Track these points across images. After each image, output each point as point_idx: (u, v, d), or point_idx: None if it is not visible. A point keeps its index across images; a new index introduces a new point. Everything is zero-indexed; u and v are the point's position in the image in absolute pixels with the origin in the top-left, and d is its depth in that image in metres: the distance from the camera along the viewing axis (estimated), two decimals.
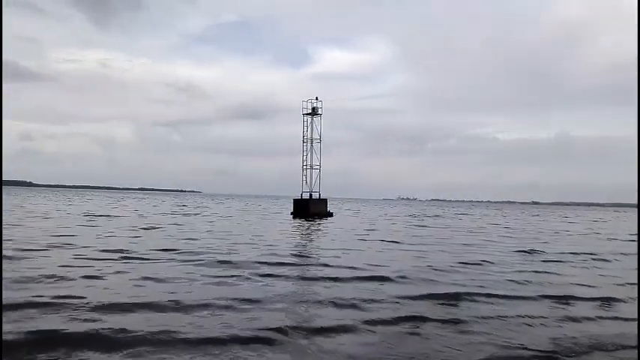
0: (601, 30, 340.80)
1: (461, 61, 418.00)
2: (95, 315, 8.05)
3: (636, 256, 19.66)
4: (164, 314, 8.32)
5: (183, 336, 7.11)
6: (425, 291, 10.99)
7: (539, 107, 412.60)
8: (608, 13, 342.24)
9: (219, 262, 14.38)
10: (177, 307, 8.78)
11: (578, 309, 9.92)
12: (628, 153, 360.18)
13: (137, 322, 7.66)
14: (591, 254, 19.98)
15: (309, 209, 45.76)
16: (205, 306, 8.91)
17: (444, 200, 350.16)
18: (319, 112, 46.87)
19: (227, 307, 8.89)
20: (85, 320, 7.70)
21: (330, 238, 24.48)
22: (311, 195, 46.92)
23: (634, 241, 28.92)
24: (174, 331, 7.26)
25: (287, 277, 12.32)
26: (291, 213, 47.93)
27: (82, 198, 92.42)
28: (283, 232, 27.68)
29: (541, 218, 67.32)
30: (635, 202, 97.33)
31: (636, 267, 16.36)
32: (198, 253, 16.21)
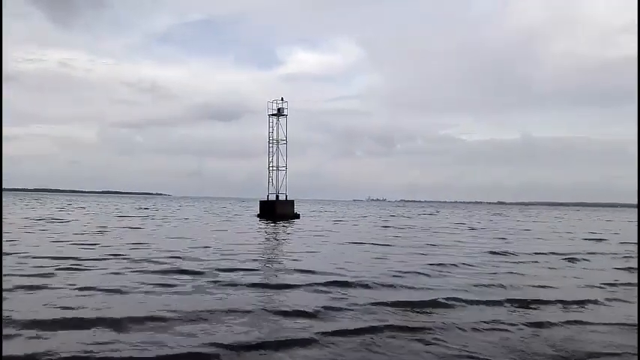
0: (559, 34, 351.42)
1: (427, 64, 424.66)
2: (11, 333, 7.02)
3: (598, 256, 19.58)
4: (89, 332, 7.33)
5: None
6: (387, 298, 10.30)
7: (504, 109, 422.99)
8: (565, 19, 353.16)
9: (168, 270, 13.34)
10: (108, 323, 7.81)
11: (545, 313, 9.42)
12: (588, 153, 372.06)
13: (56, 344, 6.68)
14: (556, 254, 19.81)
15: (276, 211, 44.88)
16: (140, 321, 7.96)
17: (413, 201, 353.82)
18: (285, 112, 46.05)
19: (165, 321, 7.99)
20: None
21: (293, 241, 23.70)
22: (277, 196, 46.03)
23: (592, 239, 29.09)
24: (97, 355, 6.32)
25: (242, 285, 11.41)
26: (257, 215, 46.98)
27: (41, 202, 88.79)
28: (245, 234, 26.73)
29: (504, 218, 68.17)
30: (595, 202, 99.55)
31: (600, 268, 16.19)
32: (148, 260, 15.10)
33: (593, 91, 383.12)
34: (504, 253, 19.56)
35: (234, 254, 17.14)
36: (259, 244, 21.94)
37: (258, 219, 44.20)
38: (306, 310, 9.04)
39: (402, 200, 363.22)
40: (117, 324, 7.71)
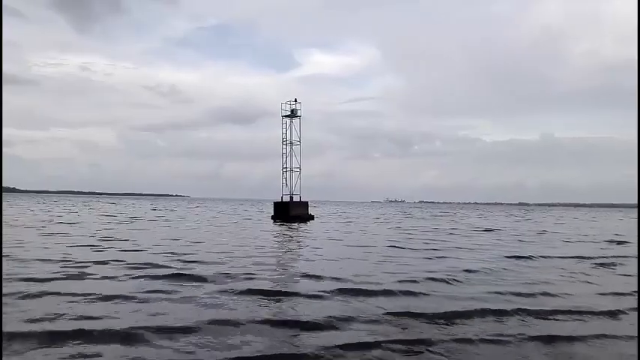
0: (579, 35, 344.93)
1: (443, 65, 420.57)
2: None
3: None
4: (64, 348, 6.74)
5: None
6: (400, 307, 9.55)
7: (523, 109, 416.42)
8: (586, 18, 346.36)
9: (170, 275, 12.74)
10: (89, 335, 7.21)
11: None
12: (611, 154, 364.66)
13: None
14: (583, 257, 18.76)
15: (290, 212, 44.37)
16: (131, 332, 7.36)
17: (432, 202, 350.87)
18: (298, 114, 45.62)
19: (160, 332, 7.38)
20: None
21: (306, 244, 23.02)
22: (291, 198, 45.52)
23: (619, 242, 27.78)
24: None
25: (246, 292, 10.72)
26: (272, 216, 46.51)
27: (60, 204, 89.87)
28: (256, 238, 25.98)
29: (531, 220, 66.51)
30: (619, 202, 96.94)
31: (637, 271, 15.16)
32: (154, 265, 14.54)
33: (616, 91, 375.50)
34: (528, 257, 18.55)
35: (244, 257, 16.54)
36: (272, 247, 21.31)
37: (273, 220, 43.76)
38: (311, 320, 8.38)
39: (420, 201, 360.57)
40: (104, 336, 7.12)
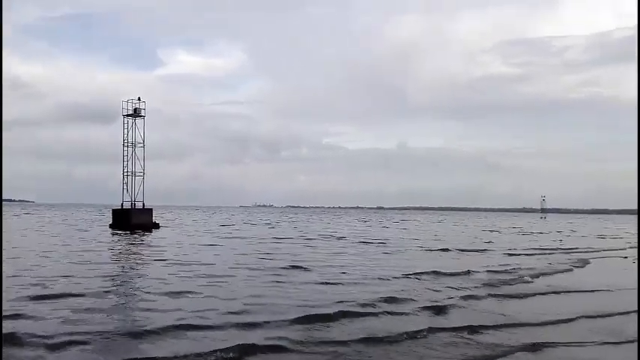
0: (433, 51, 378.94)
1: (312, 73, 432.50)
2: None
3: None
4: None
5: None
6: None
7: (383, 119, 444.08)
8: (437, 37, 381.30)
9: None
10: None
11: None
12: (456, 162, 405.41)
13: None
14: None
15: (131, 220, 41.33)
16: None
17: (300, 207, 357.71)
18: (142, 113, 42.78)
19: None
20: None
21: (131, 259, 21.13)
22: (133, 204, 42.51)
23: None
24: None
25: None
26: (110, 225, 43.00)
27: None
28: (83, 252, 22.83)
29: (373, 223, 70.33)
30: (463, 206, 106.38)
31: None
32: None
33: (460, 106, 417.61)
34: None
35: (52, 277, 14.38)
36: (94, 262, 18.69)
37: (111, 229, 40.42)
38: None
39: (288, 206, 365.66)
40: None
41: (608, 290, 14.59)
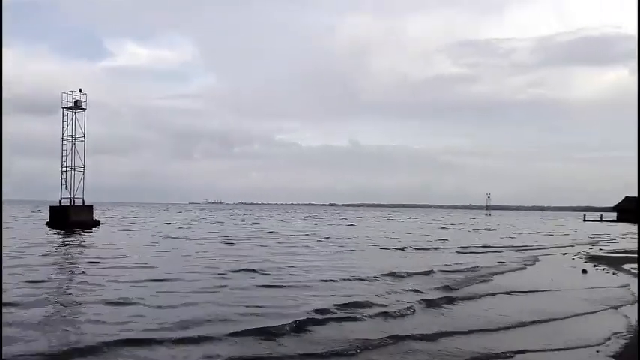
0: (386, 51, 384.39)
1: (266, 69, 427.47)
2: None
3: None
4: None
5: None
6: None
7: (336, 117, 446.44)
8: (391, 37, 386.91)
9: None
10: None
11: None
12: (407, 160, 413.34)
13: None
14: None
15: (70, 218, 38.95)
16: None
17: (252, 203, 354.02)
18: (83, 106, 40.37)
19: None
20: None
21: (66, 262, 19.57)
22: (73, 202, 40.10)
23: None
24: None
25: None
26: (47, 223, 40.41)
27: None
28: (3, 252, 21.28)
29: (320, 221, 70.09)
30: (413, 203, 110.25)
31: None
32: None
33: (412, 105, 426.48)
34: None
35: None
36: (22, 265, 16.74)
37: (49, 228, 37.97)
38: None
39: (240, 203, 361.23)
40: None
41: (556, 290, 14.56)
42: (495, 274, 17.42)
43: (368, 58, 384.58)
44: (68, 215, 39.17)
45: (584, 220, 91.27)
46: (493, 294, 13.55)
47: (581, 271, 18.46)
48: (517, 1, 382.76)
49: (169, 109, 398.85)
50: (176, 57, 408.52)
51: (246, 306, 10.96)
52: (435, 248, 28.03)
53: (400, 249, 26.64)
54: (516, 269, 19.29)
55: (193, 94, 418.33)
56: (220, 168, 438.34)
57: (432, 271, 16.82)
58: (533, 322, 10.26)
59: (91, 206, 41.46)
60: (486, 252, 26.09)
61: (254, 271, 16.40)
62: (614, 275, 17.61)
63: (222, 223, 56.77)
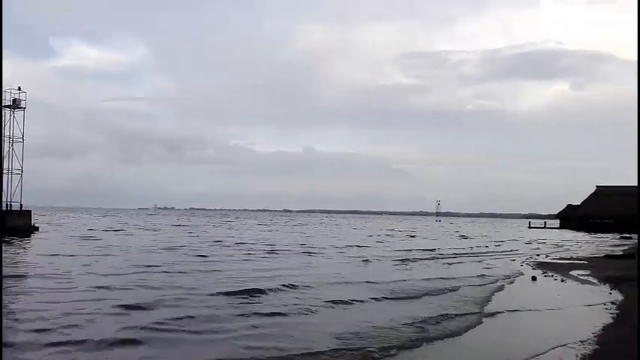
0: (339, 59, 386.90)
1: (219, 74, 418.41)
2: None
3: None
4: None
5: None
6: None
7: (290, 123, 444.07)
8: (343, 46, 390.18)
9: None
10: None
11: None
12: (360, 167, 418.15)
13: None
14: None
15: (5, 224, 36.44)
16: None
17: (203, 209, 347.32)
18: (22, 105, 38.00)
19: None
20: None
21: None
22: (10, 206, 37.59)
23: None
24: None
25: None
26: None
27: None
28: None
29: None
30: (365, 209, 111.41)
31: None
32: None
33: (366, 113, 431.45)
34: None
35: None
36: None
37: None
38: None
39: (191, 208, 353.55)
40: None
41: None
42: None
43: (322, 66, 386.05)
44: (3, 221, 36.66)
45: (530, 227, 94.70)
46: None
47: (530, 279, 18.70)
48: (466, 15, 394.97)
49: (118, 111, 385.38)
50: (126, 58, 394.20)
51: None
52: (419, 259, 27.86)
53: (367, 261, 26.20)
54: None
55: (143, 97, 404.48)
56: (171, 173, 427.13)
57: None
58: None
59: (29, 211, 39.06)
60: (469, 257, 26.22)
61: (196, 289, 15.56)
62: (563, 282, 17.91)
63: (170, 229, 54.88)
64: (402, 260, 24.70)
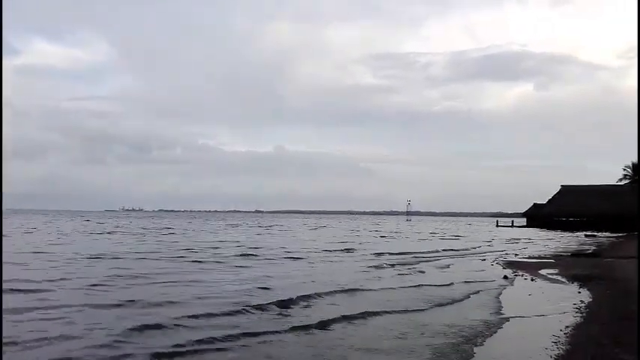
0: (307, 59, 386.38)
1: (187, 74, 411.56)
2: None
3: None
4: None
5: None
6: None
7: (261, 123, 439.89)
8: (311, 46, 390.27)
9: None
10: None
11: None
12: (329, 167, 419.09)
13: None
14: None
15: None
16: None
17: (173, 210, 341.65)
18: None
19: None
20: None
21: None
22: None
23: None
24: None
25: None
26: None
27: None
28: None
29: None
30: (334, 210, 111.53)
31: None
32: None
33: (335, 113, 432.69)
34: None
35: None
36: None
37: None
38: None
39: (161, 210, 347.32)
40: None
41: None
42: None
43: (291, 65, 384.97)
44: None
45: (497, 226, 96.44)
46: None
47: (502, 278, 18.76)
48: (432, 17, 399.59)
49: (81, 110, 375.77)
50: (89, 56, 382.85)
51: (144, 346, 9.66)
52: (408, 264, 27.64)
53: (350, 251, 26.00)
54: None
55: (108, 96, 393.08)
56: (138, 173, 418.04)
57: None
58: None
59: None
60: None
61: (158, 305, 14.98)
62: (533, 281, 18.01)
63: (136, 232, 53.44)
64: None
